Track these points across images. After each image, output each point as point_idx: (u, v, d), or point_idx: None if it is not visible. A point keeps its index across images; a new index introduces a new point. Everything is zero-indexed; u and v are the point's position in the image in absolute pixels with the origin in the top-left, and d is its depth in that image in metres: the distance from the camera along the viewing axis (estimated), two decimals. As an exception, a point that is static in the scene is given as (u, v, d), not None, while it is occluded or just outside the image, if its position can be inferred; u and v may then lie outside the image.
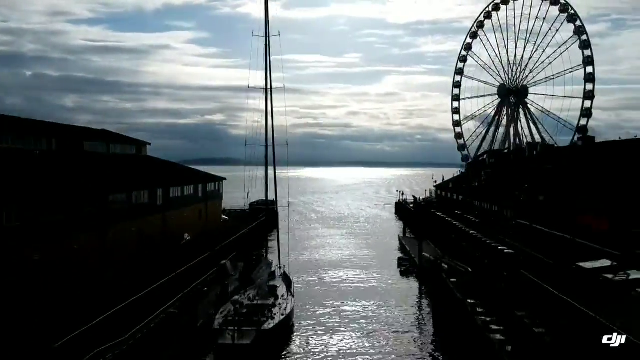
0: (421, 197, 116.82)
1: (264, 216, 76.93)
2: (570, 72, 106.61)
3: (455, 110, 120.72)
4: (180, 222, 57.22)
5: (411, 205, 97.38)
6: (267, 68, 40.80)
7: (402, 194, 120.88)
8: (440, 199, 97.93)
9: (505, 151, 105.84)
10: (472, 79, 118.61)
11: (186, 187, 62.93)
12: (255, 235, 69.61)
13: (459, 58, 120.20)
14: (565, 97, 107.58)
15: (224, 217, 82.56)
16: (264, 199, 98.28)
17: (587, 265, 32.83)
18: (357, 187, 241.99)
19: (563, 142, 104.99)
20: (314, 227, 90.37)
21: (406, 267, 53.02)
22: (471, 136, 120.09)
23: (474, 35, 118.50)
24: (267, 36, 42.00)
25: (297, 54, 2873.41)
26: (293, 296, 35.98)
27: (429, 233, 63.16)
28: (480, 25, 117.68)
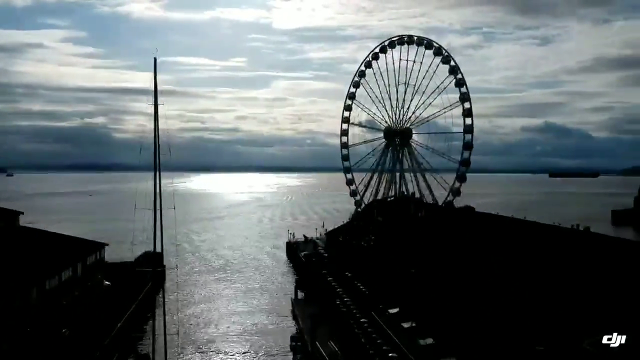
0: (313, 237, 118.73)
1: (150, 286, 74.43)
2: (450, 109, 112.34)
3: (345, 157, 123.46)
4: (57, 313, 53.59)
5: (302, 255, 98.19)
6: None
7: (293, 235, 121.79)
8: (331, 250, 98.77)
9: (391, 199, 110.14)
10: (358, 144, 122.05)
11: (64, 272, 59.12)
12: (138, 317, 66.23)
13: (344, 107, 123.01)
14: (446, 132, 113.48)
15: (106, 282, 78.51)
16: (151, 250, 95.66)
17: None
18: (250, 210, 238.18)
19: (449, 177, 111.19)
20: (204, 283, 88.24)
21: (300, 358, 53.05)
22: (362, 181, 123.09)
23: (356, 85, 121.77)
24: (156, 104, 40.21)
25: (182, 56, 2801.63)
26: None
27: (321, 301, 63.94)
28: (362, 74, 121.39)
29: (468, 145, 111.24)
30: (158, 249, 46.78)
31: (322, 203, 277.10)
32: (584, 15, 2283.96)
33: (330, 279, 75.82)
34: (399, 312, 55.11)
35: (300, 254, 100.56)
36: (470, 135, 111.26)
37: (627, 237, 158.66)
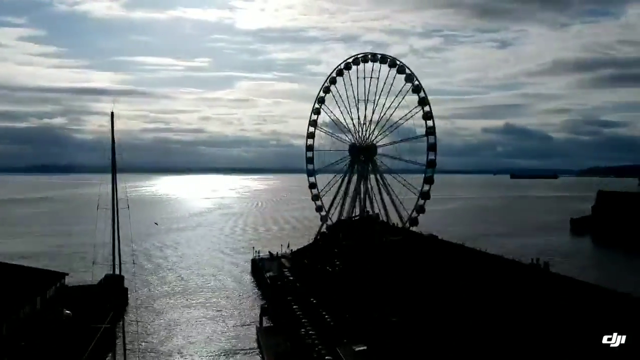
0: (279, 252, 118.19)
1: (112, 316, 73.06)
2: (411, 115, 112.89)
3: (310, 173, 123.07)
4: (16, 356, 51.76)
5: (268, 276, 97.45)
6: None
7: (258, 253, 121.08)
8: (297, 272, 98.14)
9: (356, 218, 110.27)
10: (324, 150, 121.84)
11: (22, 310, 57.16)
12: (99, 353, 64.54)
13: (309, 123, 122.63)
14: (410, 138, 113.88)
15: (66, 311, 76.44)
16: (112, 273, 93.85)
17: None
18: (214, 220, 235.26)
19: (418, 180, 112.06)
20: (166, 310, 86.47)
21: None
22: (325, 187, 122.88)
23: (321, 100, 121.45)
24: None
25: (144, 56, 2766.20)
26: None
27: (287, 332, 63.43)
28: (327, 90, 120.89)
29: (432, 147, 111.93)
30: (120, 263, 45.64)
31: (289, 210, 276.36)
32: (542, 19, 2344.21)
33: (295, 307, 75.23)
34: (366, 351, 54.89)
35: (265, 275, 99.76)
36: (433, 137, 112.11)
37: (586, 246, 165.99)
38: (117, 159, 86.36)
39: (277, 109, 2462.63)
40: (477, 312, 57.21)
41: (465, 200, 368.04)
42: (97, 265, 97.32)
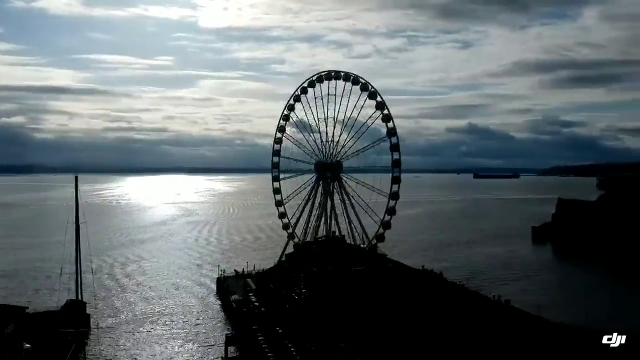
0: (245, 269, 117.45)
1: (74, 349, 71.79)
2: (371, 122, 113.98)
3: (277, 190, 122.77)
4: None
5: (233, 299, 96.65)
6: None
7: (224, 271, 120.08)
8: (263, 296, 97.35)
9: (322, 239, 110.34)
10: (289, 158, 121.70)
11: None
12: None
13: (274, 140, 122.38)
14: (374, 142, 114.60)
15: (26, 345, 74.55)
16: (74, 298, 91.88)
17: None
18: (178, 229, 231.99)
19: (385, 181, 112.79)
20: (128, 339, 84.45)
21: None
22: (294, 214, 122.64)
23: (286, 118, 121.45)
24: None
25: (104, 54, 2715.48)
26: None
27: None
28: (291, 107, 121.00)
29: (395, 147, 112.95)
30: (81, 288, 44.23)
31: (255, 217, 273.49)
32: (503, 20, 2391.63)
33: (261, 337, 74.64)
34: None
35: (231, 298, 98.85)
36: (395, 138, 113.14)
37: (547, 256, 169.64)
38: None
39: (241, 108, 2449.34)
40: (440, 347, 57.95)
41: (430, 204, 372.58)
42: (60, 290, 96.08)
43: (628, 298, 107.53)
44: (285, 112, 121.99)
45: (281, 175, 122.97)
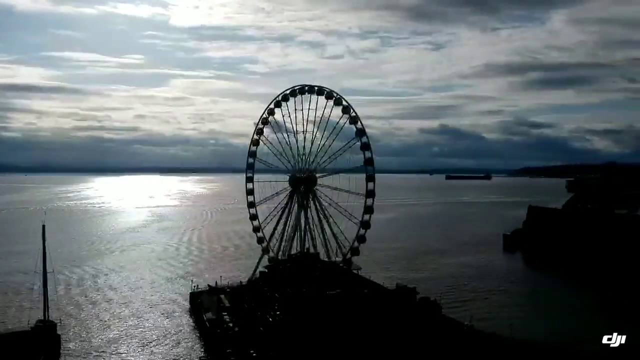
0: (218, 282, 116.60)
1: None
2: (349, 146, 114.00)
3: (251, 204, 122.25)
4: None
5: (207, 318, 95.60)
6: None
7: (197, 286, 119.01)
8: (237, 315, 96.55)
9: (296, 255, 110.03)
10: (265, 175, 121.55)
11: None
12: None
13: (248, 154, 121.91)
14: (346, 143, 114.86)
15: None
16: (43, 318, 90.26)
17: None
18: (149, 237, 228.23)
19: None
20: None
21: None
22: (268, 225, 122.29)
23: (260, 132, 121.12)
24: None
25: (72, 51, 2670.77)
26: None
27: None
28: (265, 121, 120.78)
29: (365, 146, 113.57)
30: (48, 307, 42.93)
31: (231, 223, 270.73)
32: (474, 22, 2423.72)
33: (235, 361, 74.23)
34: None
35: (204, 317, 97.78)
36: (365, 137, 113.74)
37: (518, 267, 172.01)
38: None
39: (215, 108, 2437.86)
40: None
41: (404, 208, 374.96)
42: (30, 308, 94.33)
43: (595, 310, 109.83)
44: (260, 126, 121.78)
45: (255, 177, 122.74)
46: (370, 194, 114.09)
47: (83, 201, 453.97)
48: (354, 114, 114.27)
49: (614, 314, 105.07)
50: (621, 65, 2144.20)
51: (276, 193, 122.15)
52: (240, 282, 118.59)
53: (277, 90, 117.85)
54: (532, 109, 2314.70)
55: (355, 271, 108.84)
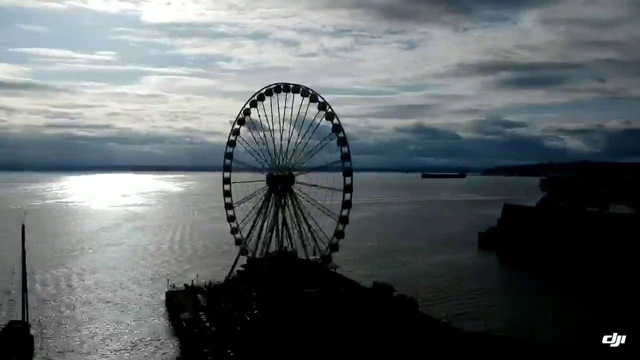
0: (194, 282, 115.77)
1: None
2: (326, 143, 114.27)
3: (228, 206, 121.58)
4: None
5: (183, 318, 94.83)
6: None
7: (173, 286, 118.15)
8: (214, 315, 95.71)
9: (274, 254, 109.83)
10: (242, 164, 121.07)
11: None
12: None
13: (225, 155, 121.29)
14: (322, 141, 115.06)
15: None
16: (16, 319, 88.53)
17: None
18: (124, 236, 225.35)
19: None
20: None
21: None
22: (246, 226, 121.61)
23: (236, 132, 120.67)
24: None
25: (41, 47, 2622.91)
26: None
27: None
28: (241, 121, 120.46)
29: (342, 141, 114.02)
30: (27, 309, 42.14)
31: (207, 222, 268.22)
32: (447, 22, 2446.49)
33: (211, 363, 73.65)
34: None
35: (181, 316, 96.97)
36: (342, 133, 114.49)
37: (493, 265, 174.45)
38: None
39: (189, 105, 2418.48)
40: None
41: (381, 206, 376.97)
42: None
43: (565, 309, 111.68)
44: (236, 126, 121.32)
45: (232, 177, 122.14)
46: (347, 188, 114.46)
47: (56, 200, 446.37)
48: (330, 110, 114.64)
49: (590, 309, 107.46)
50: (590, 66, 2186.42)
51: (254, 193, 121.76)
52: (218, 281, 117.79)
53: (252, 87, 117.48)
54: (506, 108, 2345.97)
55: (332, 269, 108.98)
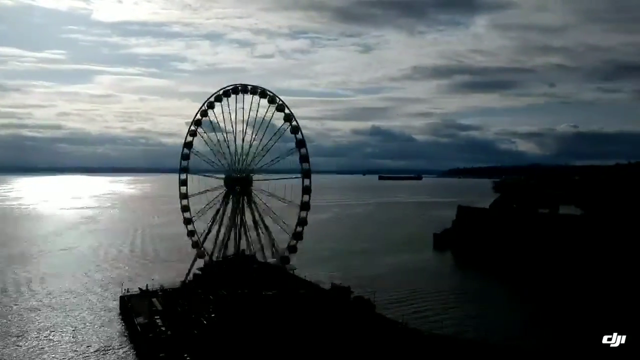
0: (149, 285, 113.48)
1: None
2: (279, 124, 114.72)
3: (185, 208, 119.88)
4: None
5: (138, 323, 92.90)
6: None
7: (127, 290, 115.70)
8: (170, 319, 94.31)
9: (231, 257, 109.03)
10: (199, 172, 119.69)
11: None
12: None
13: (181, 156, 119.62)
14: (282, 144, 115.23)
15: None
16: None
17: None
18: (76, 240, 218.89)
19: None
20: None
21: None
22: (204, 231, 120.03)
23: (193, 134, 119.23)
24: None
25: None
26: None
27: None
28: (198, 123, 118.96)
29: (301, 143, 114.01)
30: None
31: (163, 225, 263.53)
32: (401, 25, 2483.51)
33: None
34: None
35: (136, 321, 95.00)
36: (300, 134, 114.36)
37: (447, 265, 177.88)
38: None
39: (143, 106, 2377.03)
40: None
41: (338, 208, 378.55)
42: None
43: (515, 308, 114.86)
44: (192, 128, 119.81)
45: (189, 179, 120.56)
46: (306, 190, 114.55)
47: (4, 203, 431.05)
48: (288, 111, 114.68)
49: (545, 309, 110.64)
50: (541, 71, 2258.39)
51: (211, 194, 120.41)
52: (174, 285, 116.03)
53: (208, 88, 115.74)
54: (460, 111, 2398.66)
55: (291, 271, 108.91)
